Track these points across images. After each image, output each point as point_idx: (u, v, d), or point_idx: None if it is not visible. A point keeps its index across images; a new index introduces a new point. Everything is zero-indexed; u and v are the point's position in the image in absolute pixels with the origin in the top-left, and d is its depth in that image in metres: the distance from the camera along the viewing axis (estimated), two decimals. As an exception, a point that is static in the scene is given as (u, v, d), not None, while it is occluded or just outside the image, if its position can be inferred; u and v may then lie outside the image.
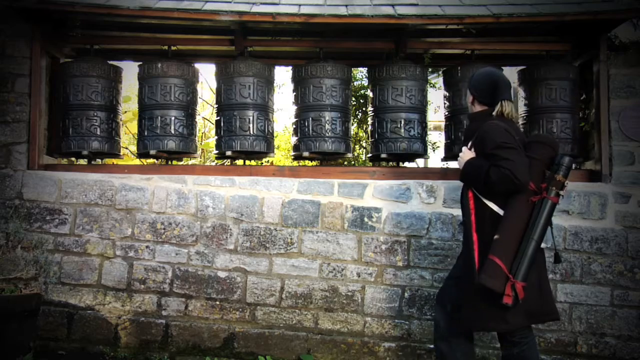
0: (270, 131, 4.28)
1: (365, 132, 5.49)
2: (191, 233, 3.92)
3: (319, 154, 4.24)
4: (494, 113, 2.78)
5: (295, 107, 4.28)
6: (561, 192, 2.63)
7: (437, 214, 3.87)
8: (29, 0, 3.71)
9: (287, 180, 3.97)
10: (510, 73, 5.77)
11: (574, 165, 4.20)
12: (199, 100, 5.04)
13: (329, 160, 4.46)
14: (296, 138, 4.24)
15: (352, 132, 4.67)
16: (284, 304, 3.87)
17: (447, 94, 4.42)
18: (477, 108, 2.91)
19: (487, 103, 2.86)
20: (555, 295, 3.79)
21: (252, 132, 4.10)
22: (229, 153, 4.16)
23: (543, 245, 2.68)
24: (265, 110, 4.19)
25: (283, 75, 12.65)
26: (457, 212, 3.73)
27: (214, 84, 4.48)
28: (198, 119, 4.60)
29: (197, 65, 4.47)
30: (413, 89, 4.17)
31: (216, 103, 4.34)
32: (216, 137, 4.29)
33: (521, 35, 4.31)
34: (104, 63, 4.23)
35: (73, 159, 4.49)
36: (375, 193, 3.93)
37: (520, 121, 4.35)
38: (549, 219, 2.62)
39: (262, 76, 4.17)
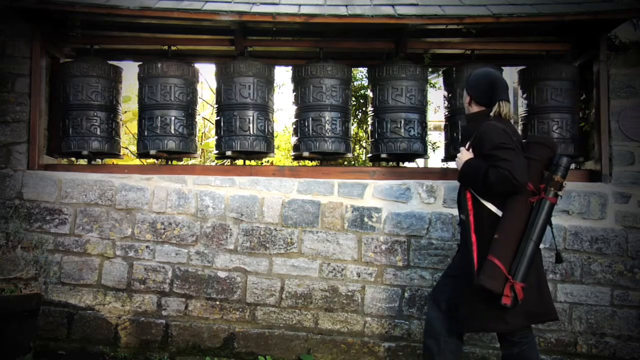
0: (270, 131, 4.28)
1: (365, 132, 5.49)
2: (191, 233, 3.92)
3: (319, 154, 4.24)
4: (491, 114, 2.78)
5: (295, 107, 4.28)
6: (559, 193, 2.64)
7: (437, 214, 3.87)
8: (29, 0, 3.71)
9: (287, 180, 3.97)
10: (510, 73, 5.79)
11: (573, 166, 4.24)
12: (199, 100, 5.04)
13: (329, 160, 4.46)
14: (296, 138, 4.24)
15: (352, 132, 4.67)
16: (284, 304, 3.87)
17: (447, 94, 4.42)
18: (474, 109, 2.91)
19: (484, 104, 2.85)
20: (555, 295, 3.79)
21: (252, 132, 4.10)
22: (229, 153, 4.16)
23: (541, 245, 2.68)
24: (265, 110, 4.19)
25: (283, 75, 12.65)
26: (457, 212, 3.72)
27: (214, 84, 4.48)
28: (198, 119, 4.60)
29: (197, 65, 4.47)
30: (413, 89, 4.17)
31: (216, 103, 4.34)
32: (216, 137, 4.29)
33: (521, 35, 4.31)
34: (104, 63, 4.23)
35: (73, 159, 4.49)
36: (375, 193, 3.93)
37: (520, 121, 4.35)
38: (547, 220, 2.62)
39: (262, 76, 4.17)
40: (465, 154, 2.80)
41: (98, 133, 4.15)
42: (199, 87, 4.59)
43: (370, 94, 4.44)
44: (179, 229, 3.92)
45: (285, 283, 3.88)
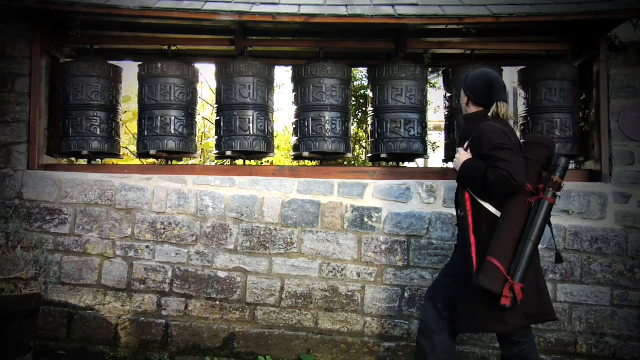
0: (270, 131, 4.28)
1: (365, 132, 5.49)
2: (191, 233, 3.92)
3: (319, 154, 4.24)
4: (489, 114, 2.78)
5: (295, 107, 4.28)
6: (558, 193, 2.64)
7: (437, 214, 3.87)
8: (29, 0, 3.71)
9: (287, 180, 3.97)
10: (510, 73, 5.78)
11: (573, 166, 4.24)
12: (199, 100, 5.04)
13: (329, 160, 4.45)
14: (296, 138, 4.24)
15: (352, 132, 4.67)
16: (284, 304, 3.87)
17: (447, 94, 4.42)
18: (472, 109, 2.90)
19: (482, 104, 2.85)
20: (555, 295, 3.79)
21: (252, 132, 4.10)
22: (229, 153, 4.16)
23: (540, 245, 2.68)
24: (265, 110, 4.19)
25: (283, 75, 12.64)
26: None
27: (214, 84, 4.48)
28: (198, 119, 4.60)
29: (197, 65, 4.47)
30: (413, 89, 4.17)
31: (216, 103, 4.34)
32: (216, 137, 4.29)
33: (521, 35, 4.31)
34: (104, 63, 4.23)
35: (73, 159, 4.49)
36: (375, 193, 3.93)
37: (520, 121, 4.35)
38: (546, 220, 2.62)
39: (262, 76, 4.17)
40: (463, 155, 2.79)
41: (98, 133, 4.15)
42: (199, 87, 4.59)
43: (370, 94, 4.44)
44: (179, 229, 3.92)
45: (285, 283, 3.88)
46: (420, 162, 5.34)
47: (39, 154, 4.02)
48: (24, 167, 3.98)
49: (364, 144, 5.72)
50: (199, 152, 5.03)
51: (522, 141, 2.84)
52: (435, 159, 6.53)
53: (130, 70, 5.20)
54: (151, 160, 5.25)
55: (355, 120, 5.43)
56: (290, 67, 4.50)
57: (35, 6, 3.74)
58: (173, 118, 4.15)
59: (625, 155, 3.92)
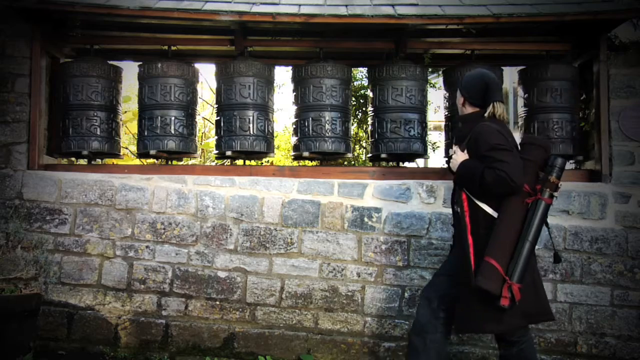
0: (270, 131, 4.28)
1: (365, 132, 5.49)
2: (191, 233, 3.92)
3: (319, 154, 4.24)
4: (485, 115, 2.78)
5: (295, 107, 4.28)
6: (555, 194, 2.64)
7: (437, 214, 3.87)
8: (29, 0, 3.71)
9: (287, 180, 3.97)
10: (510, 73, 5.78)
11: (573, 165, 4.24)
12: (199, 100, 5.04)
13: (329, 160, 4.46)
14: (296, 138, 4.24)
15: (352, 132, 4.67)
16: (284, 304, 3.87)
17: (447, 94, 4.42)
18: (468, 110, 2.91)
19: (478, 105, 2.85)
20: (555, 295, 3.79)
21: (252, 132, 4.10)
22: (229, 153, 4.16)
23: (537, 246, 2.68)
24: (265, 110, 4.19)
25: (283, 75, 12.64)
26: (457, 212, 3.73)
27: (214, 84, 4.48)
28: (198, 119, 4.60)
29: (197, 65, 4.47)
30: (413, 89, 4.17)
31: (216, 103, 4.34)
32: (216, 137, 4.29)
33: (521, 35, 4.31)
34: (104, 63, 4.23)
35: (73, 159, 4.49)
36: (375, 193, 3.93)
37: (520, 121, 4.35)
38: (543, 220, 2.63)
39: (262, 76, 4.17)
40: (460, 155, 2.80)
41: (98, 133, 4.15)
42: (199, 87, 4.59)
43: (370, 94, 4.43)
44: (179, 229, 3.92)
45: (285, 283, 3.88)
46: (420, 162, 5.34)
47: (39, 154, 4.02)
48: (24, 167, 3.98)
49: (364, 144, 5.72)
50: (199, 152, 5.03)
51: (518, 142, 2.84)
52: (435, 159, 6.54)
53: (130, 70, 5.20)
54: (151, 160, 5.25)
55: (355, 120, 5.43)
56: (290, 67, 4.50)
57: (35, 6, 3.74)
58: (173, 118, 4.15)
59: (625, 155, 3.92)
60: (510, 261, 2.56)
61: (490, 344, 3.74)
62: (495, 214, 2.65)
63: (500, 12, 3.81)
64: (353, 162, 5.46)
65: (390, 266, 3.86)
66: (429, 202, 3.91)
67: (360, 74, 5.68)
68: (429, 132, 4.78)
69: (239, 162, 4.37)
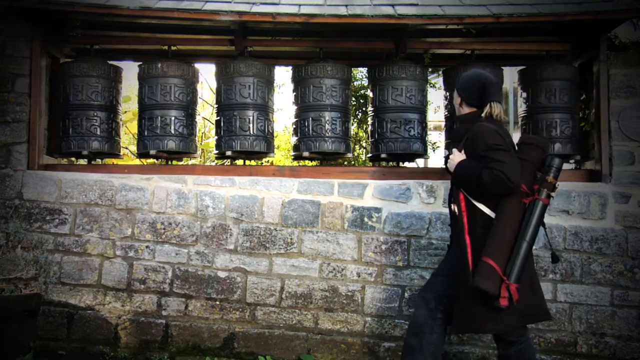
0: (270, 131, 4.28)
1: (365, 132, 5.49)
2: (191, 233, 3.92)
3: (319, 154, 4.24)
4: (483, 115, 2.78)
5: (295, 107, 4.28)
6: (552, 194, 2.64)
7: (437, 214, 3.87)
8: (29, 0, 3.71)
9: (287, 180, 3.97)
10: (510, 73, 5.78)
11: (573, 166, 4.24)
12: (199, 100, 5.04)
13: (329, 160, 4.46)
14: (296, 138, 4.24)
15: (352, 132, 4.67)
16: (284, 304, 3.87)
17: (447, 94, 4.42)
18: (465, 110, 2.91)
19: (475, 105, 2.86)
20: (555, 295, 3.79)
21: (252, 132, 4.10)
22: (229, 153, 4.16)
23: (537, 245, 2.69)
24: (265, 110, 4.19)
25: (283, 75, 12.64)
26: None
27: (214, 84, 4.48)
28: (198, 119, 4.60)
29: (197, 65, 4.47)
30: (413, 89, 4.17)
31: (216, 103, 4.34)
32: (216, 137, 4.29)
33: (521, 35, 4.31)
34: (104, 63, 4.23)
35: (73, 159, 4.49)
36: (375, 193, 3.93)
37: (520, 121, 4.36)
38: (540, 220, 2.63)
39: (262, 76, 4.17)
40: (457, 156, 2.80)
41: (98, 133, 4.15)
42: (199, 87, 4.59)
43: (370, 94, 4.44)
44: (179, 229, 3.92)
45: (285, 283, 3.88)
46: (420, 162, 5.34)
47: (39, 154, 4.02)
48: (24, 167, 3.98)
49: (364, 144, 5.72)
50: (199, 152, 5.03)
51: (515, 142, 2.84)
52: (435, 159, 6.54)
53: (130, 70, 5.20)
54: (151, 160, 5.25)
55: (355, 120, 5.43)
56: (290, 67, 4.50)
57: (35, 6, 3.74)
58: (173, 118, 4.15)
59: (625, 155, 3.92)
60: (508, 261, 2.56)
61: (491, 344, 3.74)
62: (492, 214, 2.65)
63: (500, 12, 3.81)
64: (353, 162, 5.46)
65: (390, 266, 3.86)
66: (429, 202, 3.91)
67: (360, 74, 5.68)
68: (429, 132, 4.78)
69: (239, 162, 4.37)
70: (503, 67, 4.37)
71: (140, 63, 4.31)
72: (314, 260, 3.89)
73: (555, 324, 3.77)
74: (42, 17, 3.93)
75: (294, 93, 4.30)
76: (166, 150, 4.17)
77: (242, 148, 4.09)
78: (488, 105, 2.77)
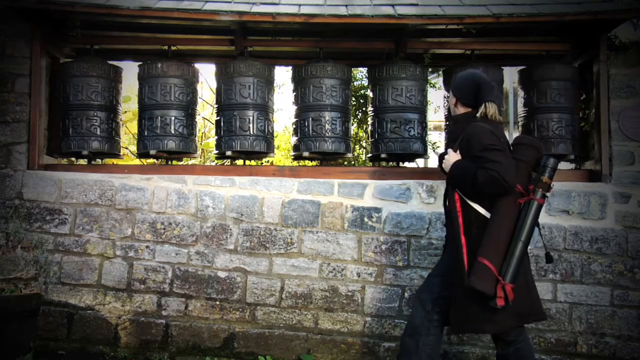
0: (270, 131, 4.28)
1: (365, 132, 5.49)
2: (191, 233, 3.92)
3: (319, 154, 4.24)
4: (477, 115, 2.78)
5: (295, 107, 4.28)
6: (547, 194, 2.64)
7: (437, 214, 3.87)
8: (29, 0, 3.71)
9: (287, 180, 3.97)
10: (510, 73, 5.78)
11: (573, 165, 4.24)
12: (199, 100, 5.04)
13: (329, 160, 4.46)
14: (296, 138, 4.24)
15: (352, 132, 4.67)
16: (284, 304, 3.87)
17: (447, 94, 4.42)
18: (460, 110, 2.92)
19: (470, 105, 2.86)
20: (555, 295, 3.79)
21: (252, 132, 4.10)
22: (229, 153, 4.16)
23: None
24: (265, 110, 4.19)
25: (283, 75, 12.66)
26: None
27: (214, 84, 4.48)
28: (198, 119, 4.60)
29: (197, 65, 4.47)
30: (413, 89, 4.17)
31: (216, 103, 4.34)
32: (216, 137, 4.29)
33: (521, 35, 4.31)
34: (104, 63, 4.23)
35: (73, 159, 4.49)
36: (375, 193, 3.93)
37: (520, 121, 4.36)
38: (535, 220, 2.63)
39: (262, 76, 4.17)
40: (453, 156, 2.80)
41: (98, 133, 4.15)
42: (199, 87, 4.59)
43: (370, 94, 4.44)
44: (179, 229, 3.92)
45: (285, 283, 3.88)
46: (420, 162, 5.34)
47: (39, 154, 4.02)
48: (24, 167, 3.98)
49: (364, 144, 5.72)
50: (199, 152, 5.03)
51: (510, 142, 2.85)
52: (435, 159, 6.52)
53: (130, 70, 5.21)
54: (151, 160, 5.25)
55: (355, 120, 5.43)
56: (290, 67, 4.50)
57: (35, 6, 3.74)
58: (173, 118, 4.15)
59: (625, 155, 3.92)
60: (503, 261, 2.56)
61: (490, 344, 3.74)
62: (487, 214, 2.65)
63: (500, 12, 3.81)
64: (353, 162, 5.46)
65: (390, 266, 3.86)
66: (429, 202, 3.91)
67: (360, 74, 5.68)
68: (429, 132, 4.78)
69: (239, 162, 4.37)
70: (503, 67, 4.37)
71: (140, 63, 4.31)
72: (314, 260, 3.89)
73: (555, 324, 3.77)
74: (42, 17, 3.93)
75: (294, 93, 4.30)
76: (166, 150, 4.17)
77: (242, 148, 4.09)
78: (483, 105, 2.77)
